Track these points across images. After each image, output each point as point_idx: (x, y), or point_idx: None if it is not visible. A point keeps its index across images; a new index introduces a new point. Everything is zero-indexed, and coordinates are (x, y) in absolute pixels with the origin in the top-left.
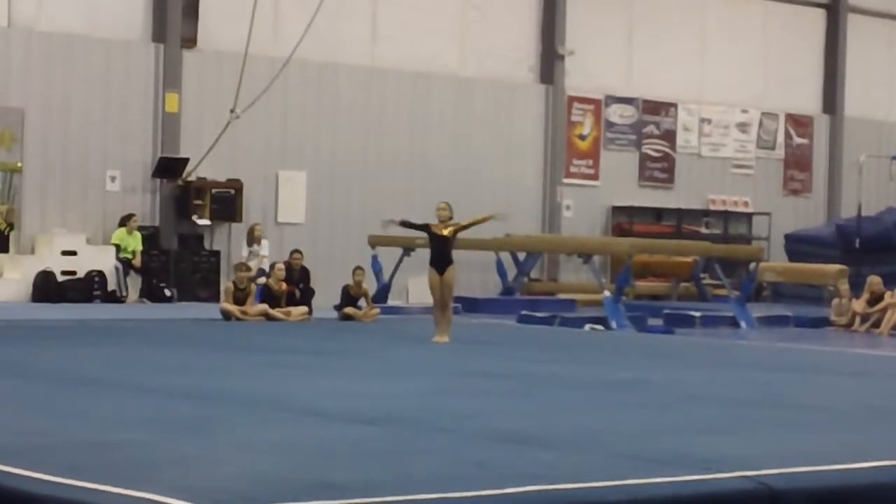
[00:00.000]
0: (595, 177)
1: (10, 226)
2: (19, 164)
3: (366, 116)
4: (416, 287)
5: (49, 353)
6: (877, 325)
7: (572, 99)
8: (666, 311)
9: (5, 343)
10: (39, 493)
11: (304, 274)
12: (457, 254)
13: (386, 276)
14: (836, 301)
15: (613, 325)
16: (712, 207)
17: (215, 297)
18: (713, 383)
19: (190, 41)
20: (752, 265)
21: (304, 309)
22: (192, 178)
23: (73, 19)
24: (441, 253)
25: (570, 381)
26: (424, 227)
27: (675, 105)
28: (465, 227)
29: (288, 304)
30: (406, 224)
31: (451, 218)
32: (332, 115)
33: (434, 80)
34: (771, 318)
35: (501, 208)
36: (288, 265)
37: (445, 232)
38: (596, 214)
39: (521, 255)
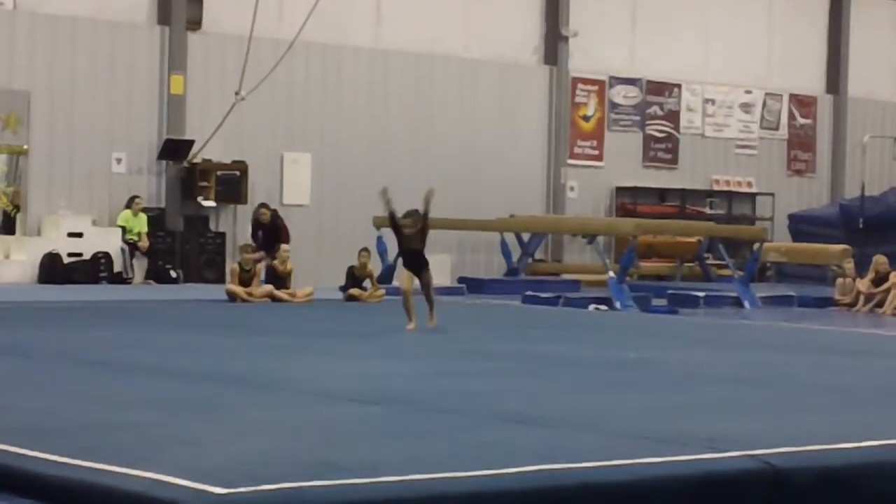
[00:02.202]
0: (599, 158)
1: (17, 208)
2: (25, 147)
3: (370, 98)
4: None
5: (55, 335)
6: (880, 304)
7: (576, 80)
8: (670, 292)
9: (12, 324)
10: (46, 473)
11: (275, 227)
12: (461, 235)
13: (391, 258)
14: (840, 280)
15: (617, 305)
16: (716, 188)
17: (221, 279)
18: (717, 363)
19: (195, 23)
20: (756, 245)
21: (309, 290)
22: (198, 159)
23: (79, 2)
24: (415, 260)
25: (574, 362)
26: (398, 233)
27: (678, 86)
28: (426, 221)
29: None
30: (391, 218)
31: (416, 225)
32: (336, 96)
33: (438, 61)
34: (774, 298)
35: (505, 189)
36: (256, 221)
37: (416, 246)
38: (600, 195)
39: (526, 236)
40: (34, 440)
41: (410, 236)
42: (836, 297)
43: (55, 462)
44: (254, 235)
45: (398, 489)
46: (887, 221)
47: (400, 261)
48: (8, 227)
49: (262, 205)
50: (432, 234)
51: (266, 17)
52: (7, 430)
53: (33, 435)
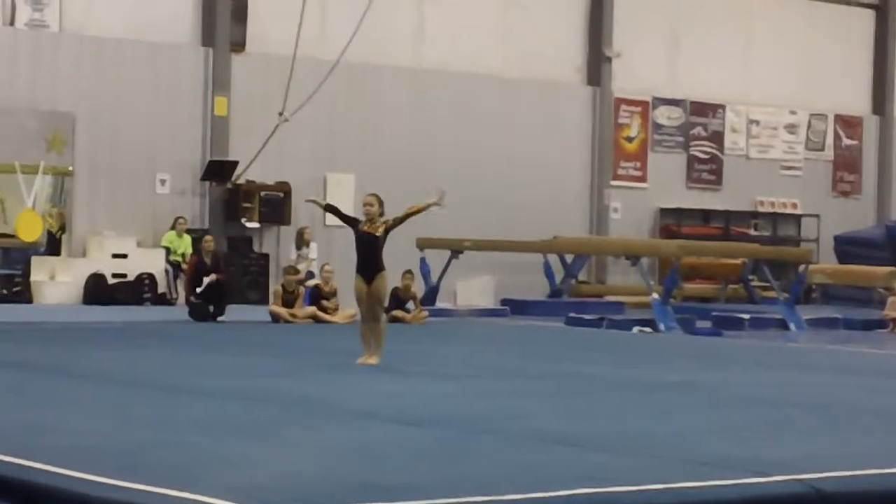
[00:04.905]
0: (643, 179)
1: (62, 229)
2: (70, 168)
3: (412, 118)
4: (464, 290)
5: (99, 355)
6: None
7: (619, 101)
8: (714, 314)
9: (57, 344)
10: (89, 494)
11: (217, 258)
12: (504, 256)
13: (434, 279)
14: (892, 299)
15: (661, 327)
16: (760, 209)
17: (264, 300)
18: (762, 385)
19: (238, 45)
20: (801, 267)
21: (352, 311)
22: (241, 181)
23: (123, 24)
24: (370, 256)
25: (619, 384)
26: (351, 222)
27: (722, 106)
28: (400, 221)
29: (215, 289)
30: (331, 209)
31: (381, 214)
32: (378, 116)
33: (480, 81)
34: (820, 320)
35: (548, 210)
36: (201, 252)
37: (378, 231)
38: (643, 216)
39: (569, 258)
40: (78, 460)
41: (368, 221)
42: (885, 312)
43: (99, 483)
44: (198, 265)
45: None
46: None
47: (444, 280)
48: (53, 248)
49: (205, 232)
50: (475, 257)
51: (309, 37)
52: (51, 450)
53: (77, 455)
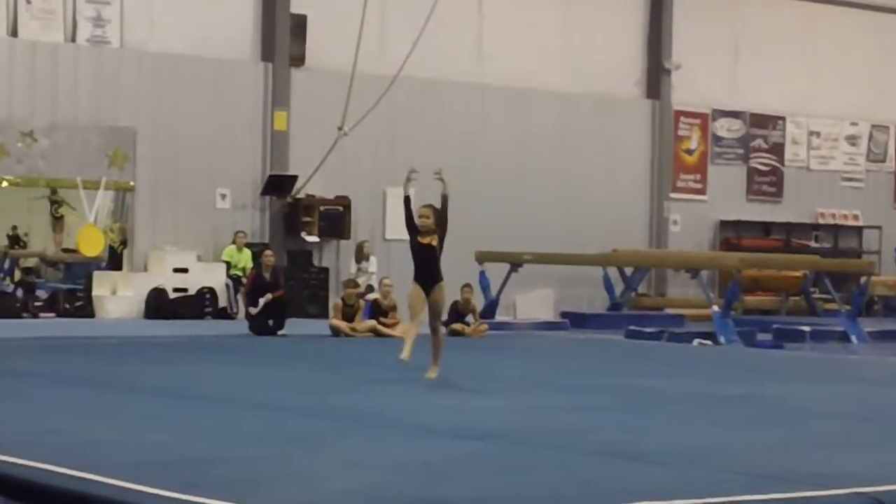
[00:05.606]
0: (702, 191)
1: (124, 244)
2: (131, 184)
3: (471, 133)
4: (524, 303)
5: (161, 370)
6: None
7: (679, 113)
8: (775, 326)
9: (119, 359)
10: None
11: (276, 273)
12: (564, 269)
13: (494, 292)
14: None
15: (722, 340)
16: (821, 221)
17: (324, 314)
18: (824, 398)
19: (298, 60)
20: (863, 279)
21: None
22: (301, 195)
23: (184, 40)
24: (428, 267)
25: (679, 397)
26: (412, 228)
27: (782, 118)
28: (443, 225)
29: (275, 304)
30: (406, 203)
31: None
32: (438, 131)
33: (539, 96)
34: (882, 332)
35: (607, 223)
36: (260, 266)
37: (433, 241)
38: (703, 229)
39: (629, 270)
40: (141, 474)
41: (425, 232)
42: None
43: (162, 496)
44: (256, 279)
45: None
46: None
47: (504, 294)
48: (115, 262)
49: (266, 247)
50: (535, 270)
51: (368, 52)
52: (114, 464)
53: (140, 469)
